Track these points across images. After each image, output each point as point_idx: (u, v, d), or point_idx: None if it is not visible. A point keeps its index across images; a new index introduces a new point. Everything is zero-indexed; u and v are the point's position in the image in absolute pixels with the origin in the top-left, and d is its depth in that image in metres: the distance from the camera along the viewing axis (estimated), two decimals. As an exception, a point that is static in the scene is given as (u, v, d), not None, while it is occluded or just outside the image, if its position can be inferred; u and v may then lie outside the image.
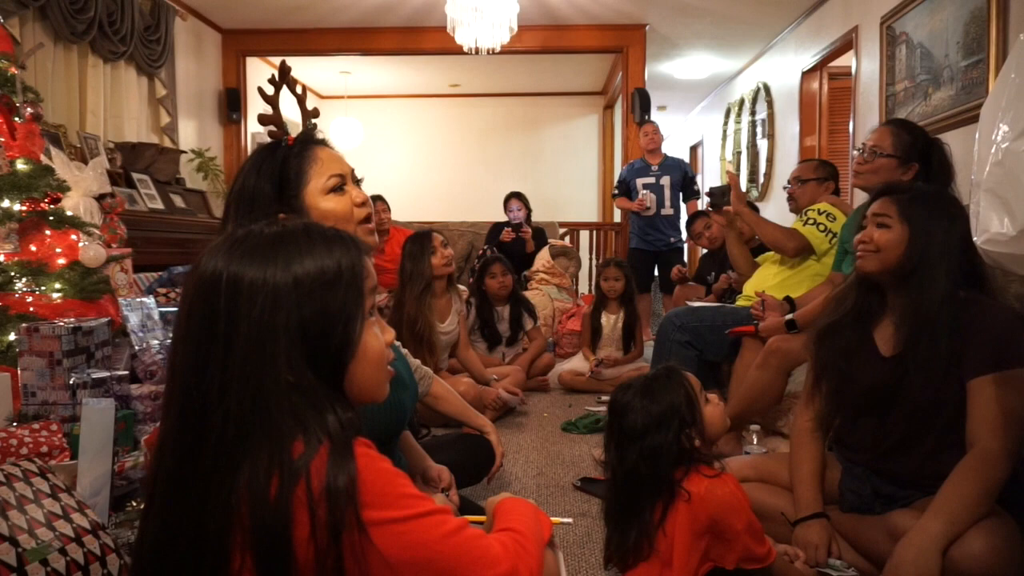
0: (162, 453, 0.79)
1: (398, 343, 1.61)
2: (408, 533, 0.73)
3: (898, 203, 1.54)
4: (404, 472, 0.79)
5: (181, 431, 0.77)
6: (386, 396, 0.86)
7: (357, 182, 1.30)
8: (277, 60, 5.26)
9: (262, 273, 0.77)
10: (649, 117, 5.74)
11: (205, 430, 0.75)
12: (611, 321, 3.87)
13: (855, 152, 2.21)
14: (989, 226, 1.14)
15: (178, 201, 4.41)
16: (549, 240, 5.41)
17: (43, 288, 2.12)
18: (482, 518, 1.01)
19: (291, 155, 1.24)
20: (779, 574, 1.37)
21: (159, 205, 4.19)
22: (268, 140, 1.37)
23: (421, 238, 3.23)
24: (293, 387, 0.75)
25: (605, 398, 3.52)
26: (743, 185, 6.56)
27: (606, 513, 1.41)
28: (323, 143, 1.29)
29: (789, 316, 2.42)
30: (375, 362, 0.83)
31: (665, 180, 5.21)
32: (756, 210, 3.13)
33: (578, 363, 3.87)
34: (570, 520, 1.40)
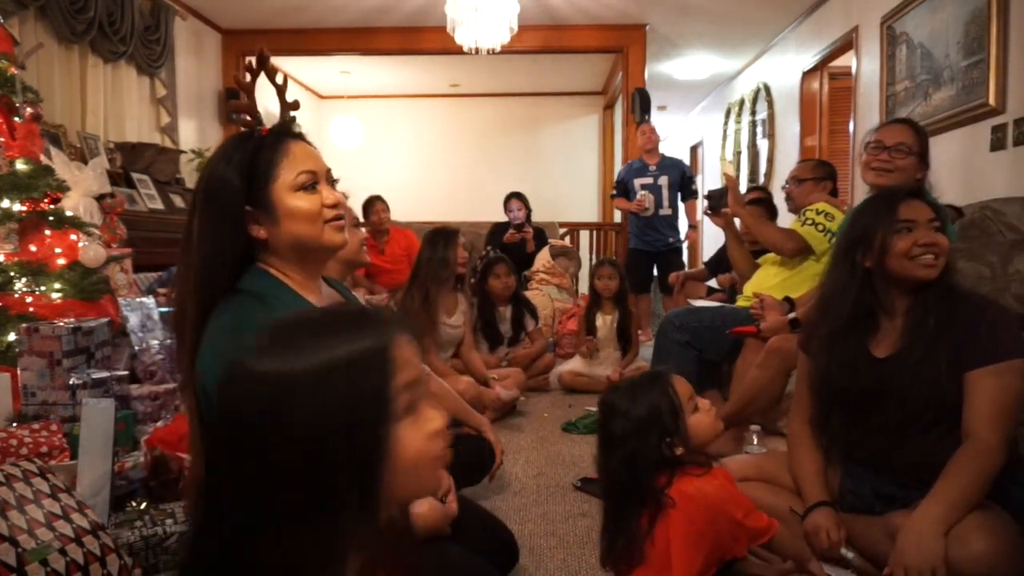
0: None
1: None
2: None
3: (934, 207, 1.52)
4: None
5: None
6: (439, 484, 0.77)
7: (332, 183, 1.25)
8: (277, 60, 5.23)
9: (277, 371, 0.63)
10: (649, 117, 5.73)
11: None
12: (606, 321, 3.86)
13: (868, 149, 2.12)
14: None
15: (178, 201, 4.40)
16: (549, 240, 5.40)
17: (43, 288, 2.13)
18: None
19: (263, 147, 1.18)
20: (778, 546, 1.38)
21: (159, 205, 4.18)
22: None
23: (447, 233, 3.26)
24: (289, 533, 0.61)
25: (605, 398, 3.52)
26: (743, 186, 6.56)
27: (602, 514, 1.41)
28: (299, 137, 1.23)
29: (793, 315, 2.41)
30: (417, 467, 0.67)
31: (663, 180, 5.20)
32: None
33: (578, 363, 3.87)
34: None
